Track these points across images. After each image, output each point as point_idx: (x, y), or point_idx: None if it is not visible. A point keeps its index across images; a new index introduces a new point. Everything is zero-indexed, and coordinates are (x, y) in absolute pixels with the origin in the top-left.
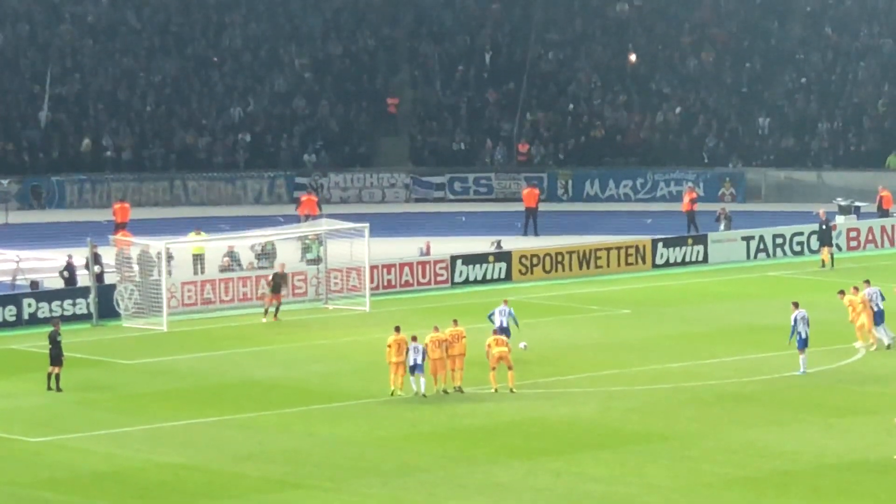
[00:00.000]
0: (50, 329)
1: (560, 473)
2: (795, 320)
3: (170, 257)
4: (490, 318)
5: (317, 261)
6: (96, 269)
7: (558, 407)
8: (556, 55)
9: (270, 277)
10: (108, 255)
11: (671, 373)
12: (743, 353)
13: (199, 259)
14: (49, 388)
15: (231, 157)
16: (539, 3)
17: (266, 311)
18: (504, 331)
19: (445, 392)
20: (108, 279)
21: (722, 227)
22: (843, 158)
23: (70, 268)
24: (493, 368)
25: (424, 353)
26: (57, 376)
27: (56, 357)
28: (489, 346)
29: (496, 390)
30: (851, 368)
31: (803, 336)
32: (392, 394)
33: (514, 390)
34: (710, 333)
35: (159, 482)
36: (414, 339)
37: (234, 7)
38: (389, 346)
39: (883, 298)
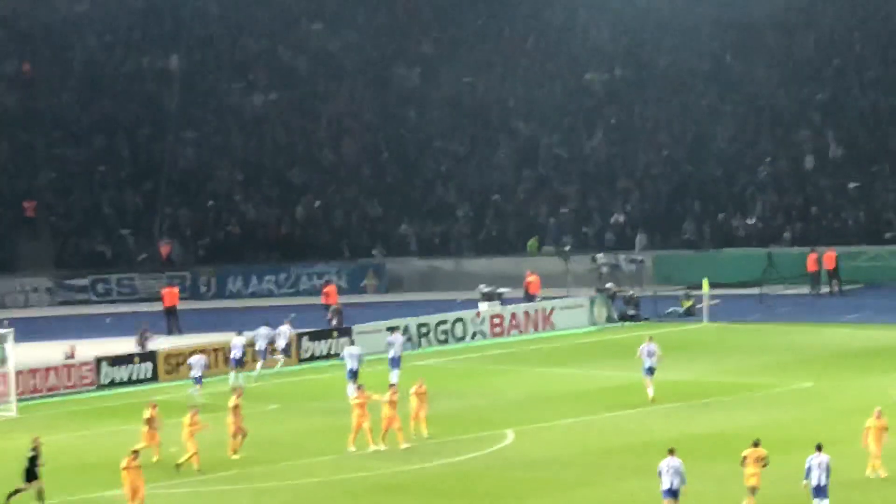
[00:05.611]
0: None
1: None
2: None
3: None
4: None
5: None
6: None
7: (210, 503)
8: (194, 152)
9: None
10: None
11: (321, 466)
12: (391, 443)
13: None
14: None
15: None
16: (175, 102)
17: None
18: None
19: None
20: None
21: (334, 322)
22: (484, 244)
23: None
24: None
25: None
26: None
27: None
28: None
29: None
30: (501, 454)
31: None
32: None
33: None
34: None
35: None
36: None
37: None
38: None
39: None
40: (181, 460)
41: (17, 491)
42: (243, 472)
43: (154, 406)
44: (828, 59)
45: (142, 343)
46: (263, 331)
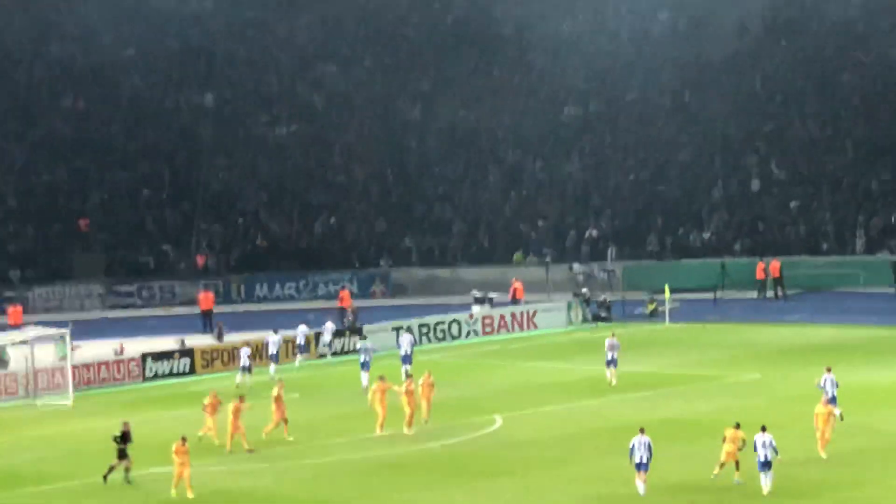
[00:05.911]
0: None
1: None
2: None
3: None
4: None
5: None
6: None
7: (239, 480)
8: (225, 176)
9: None
10: None
11: (336, 447)
12: (397, 427)
13: None
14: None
15: None
16: (209, 132)
17: None
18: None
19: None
20: None
21: (351, 318)
22: (476, 255)
23: None
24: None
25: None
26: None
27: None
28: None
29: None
30: (491, 436)
31: None
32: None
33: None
34: (367, 412)
35: None
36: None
37: None
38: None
39: None
40: (248, 447)
41: (111, 468)
42: (268, 452)
43: (214, 394)
44: (772, 95)
45: (219, 336)
46: (303, 328)
